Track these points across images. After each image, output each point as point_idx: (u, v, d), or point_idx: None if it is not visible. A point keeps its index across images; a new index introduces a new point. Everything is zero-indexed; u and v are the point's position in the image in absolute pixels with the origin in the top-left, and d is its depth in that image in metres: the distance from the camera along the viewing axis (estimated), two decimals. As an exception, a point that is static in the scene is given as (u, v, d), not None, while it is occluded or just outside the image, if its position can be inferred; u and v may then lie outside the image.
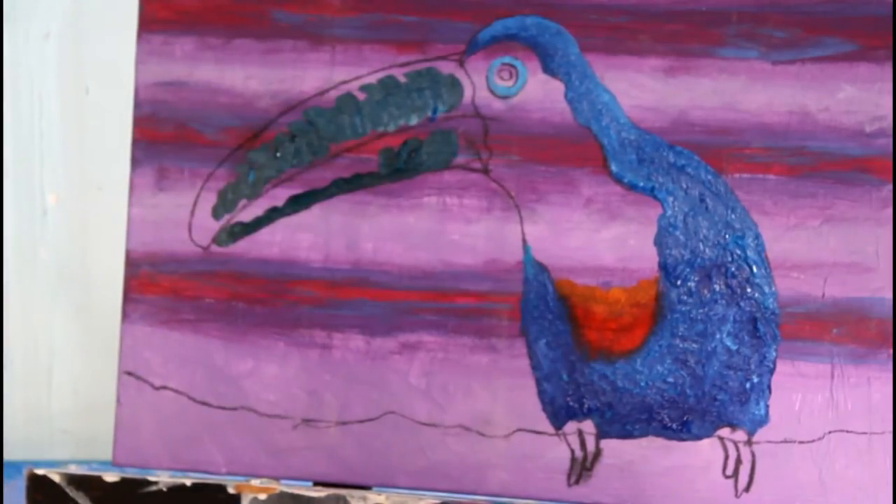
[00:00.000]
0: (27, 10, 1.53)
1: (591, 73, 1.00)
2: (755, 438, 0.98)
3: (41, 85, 1.55)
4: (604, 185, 1.00)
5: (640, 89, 1.00)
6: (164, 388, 1.06)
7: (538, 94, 1.01)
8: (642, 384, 1.00)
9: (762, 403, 0.98)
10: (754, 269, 0.98)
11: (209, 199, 1.05)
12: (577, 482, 1.00)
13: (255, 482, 1.02)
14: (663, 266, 1.00)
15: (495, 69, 1.01)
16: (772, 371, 0.98)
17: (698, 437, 0.99)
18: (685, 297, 0.99)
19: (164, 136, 1.06)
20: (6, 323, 1.56)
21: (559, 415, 1.01)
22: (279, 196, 1.04)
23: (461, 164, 1.02)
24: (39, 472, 1.03)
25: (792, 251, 0.98)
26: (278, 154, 1.04)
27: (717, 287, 0.99)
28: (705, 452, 0.99)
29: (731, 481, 0.99)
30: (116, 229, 1.12)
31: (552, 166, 1.01)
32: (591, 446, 1.00)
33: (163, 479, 1.02)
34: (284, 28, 1.04)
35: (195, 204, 1.05)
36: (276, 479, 1.03)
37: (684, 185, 0.99)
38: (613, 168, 1.00)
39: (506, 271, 1.02)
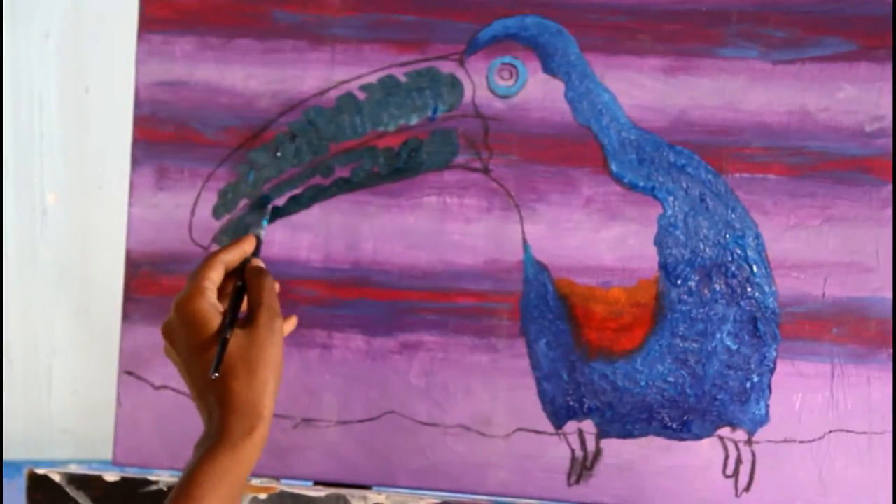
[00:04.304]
0: (27, 10, 1.53)
1: (591, 73, 1.00)
2: (755, 438, 0.98)
3: (41, 85, 1.55)
4: (604, 185, 1.00)
5: (640, 89, 1.00)
6: (164, 387, 1.06)
7: (538, 93, 1.01)
8: (642, 384, 1.00)
9: (762, 403, 0.98)
10: (754, 268, 0.98)
11: (209, 199, 1.05)
12: (577, 482, 1.00)
13: (255, 482, 1.02)
14: (663, 266, 1.00)
15: (495, 69, 1.01)
16: (772, 371, 0.98)
17: (698, 437, 0.99)
18: (685, 297, 0.99)
19: (164, 135, 1.06)
20: (6, 323, 1.56)
21: (559, 414, 1.01)
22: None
23: (461, 163, 1.02)
24: (39, 471, 1.03)
25: (792, 251, 0.98)
26: (278, 154, 1.04)
27: (717, 287, 0.99)
28: (705, 452, 0.99)
29: (731, 481, 0.99)
30: (116, 229, 1.12)
31: (552, 166, 1.01)
32: (591, 446, 1.00)
33: (163, 478, 1.02)
34: (284, 28, 1.04)
35: (195, 203, 1.05)
36: (277, 478, 1.03)
37: (684, 185, 0.99)
38: (613, 168, 1.00)
39: (506, 271, 1.02)
